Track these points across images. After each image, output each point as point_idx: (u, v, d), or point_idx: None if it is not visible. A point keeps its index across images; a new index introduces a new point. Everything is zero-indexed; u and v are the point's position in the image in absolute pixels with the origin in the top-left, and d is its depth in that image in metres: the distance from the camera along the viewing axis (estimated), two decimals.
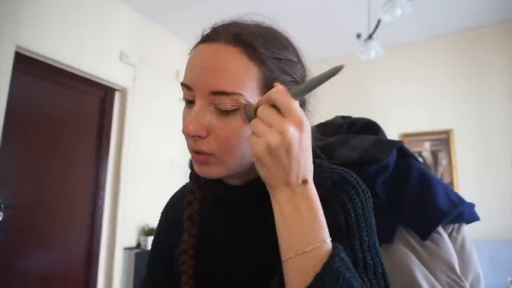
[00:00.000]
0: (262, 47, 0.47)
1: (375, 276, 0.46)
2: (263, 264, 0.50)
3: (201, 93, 0.47)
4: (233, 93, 0.45)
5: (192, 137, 0.48)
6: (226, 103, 0.46)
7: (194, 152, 0.49)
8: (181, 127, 0.50)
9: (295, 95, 0.42)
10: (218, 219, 0.58)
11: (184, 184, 0.70)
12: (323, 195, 0.46)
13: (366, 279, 0.45)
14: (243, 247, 0.54)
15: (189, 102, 0.50)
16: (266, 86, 0.48)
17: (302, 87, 0.43)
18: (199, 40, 0.51)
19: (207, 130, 0.47)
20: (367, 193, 0.52)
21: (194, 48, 0.51)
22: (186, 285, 0.53)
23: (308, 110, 0.57)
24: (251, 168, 0.52)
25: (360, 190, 0.51)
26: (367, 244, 0.48)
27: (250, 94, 0.46)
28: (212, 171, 0.49)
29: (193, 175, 0.59)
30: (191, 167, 0.60)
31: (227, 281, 0.53)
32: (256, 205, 0.54)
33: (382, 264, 0.48)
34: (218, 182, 0.57)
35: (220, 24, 0.51)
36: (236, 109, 0.46)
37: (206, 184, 0.59)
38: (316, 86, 0.43)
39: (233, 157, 0.49)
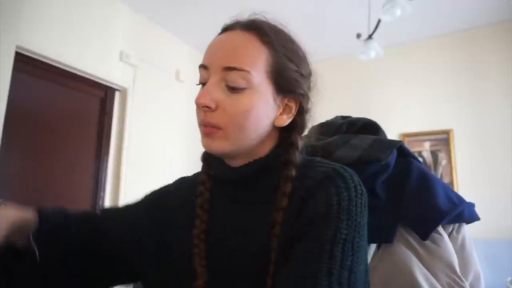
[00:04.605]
0: (272, 34, 0.54)
1: (340, 268, 0.45)
2: (264, 247, 0.51)
3: (215, 69, 0.52)
4: (242, 70, 0.51)
5: (202, 108, 0.52)
6: (236, 78, 0.51)
7: (203, 125, 0.53)
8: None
9: None
10: (222, 201, 0.60)
11: (182, 177, 0.73)
12: (310, 186, 0.51)
13: (325, 269, 0.44)
14: (247, 228, 0.55)
15: (204, 85, 0.54)
16: (273, 70, 0.53)
17: None
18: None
19: (216, 104, 0.51)
20: (361, 190, 0.51)
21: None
22: (200, 265, 0.55)
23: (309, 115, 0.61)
24: (254, 149, 0.56)
25: (352, 185, 0.50)
26: (342, 236, 0.47)
27: (258, 74, 0.52)
28: (215, 144, 0.53)
29: (204, 167, 0.63)
30: (203, 159, 0.63)
31: (232, 264, 0.55)
32: (258, 185, 0.56)
33: (354, 258, 0.47)
34: (220, 164, 0.59)
35: (238, 18, 0.57)
36: (245, 89, 0.51)
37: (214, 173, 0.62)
38: None
39: (238, 133, 0.52)
